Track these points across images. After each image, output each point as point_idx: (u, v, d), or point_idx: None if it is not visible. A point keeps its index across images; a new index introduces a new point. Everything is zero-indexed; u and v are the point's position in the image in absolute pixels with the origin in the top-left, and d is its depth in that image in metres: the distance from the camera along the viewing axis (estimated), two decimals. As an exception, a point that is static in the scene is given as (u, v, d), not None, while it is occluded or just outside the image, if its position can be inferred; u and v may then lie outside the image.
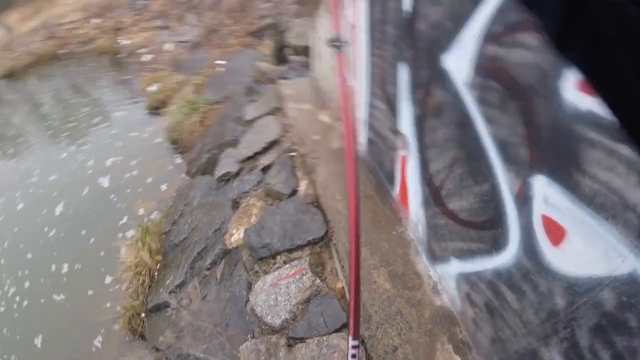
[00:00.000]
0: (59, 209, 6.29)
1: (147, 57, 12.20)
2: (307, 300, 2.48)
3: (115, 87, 11.70)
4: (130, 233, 4.99)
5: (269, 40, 7.80)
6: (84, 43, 17.73)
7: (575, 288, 1.13)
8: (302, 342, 2.27)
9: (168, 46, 11.77)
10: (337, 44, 1.44)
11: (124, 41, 15.36)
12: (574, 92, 1.07)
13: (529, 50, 1.21)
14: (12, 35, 23.17)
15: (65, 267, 5.03)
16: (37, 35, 20.32)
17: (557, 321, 1.21)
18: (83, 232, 5.52)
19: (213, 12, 11.24)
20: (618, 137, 0.95)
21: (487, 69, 1.44)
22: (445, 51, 1.72)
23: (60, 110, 11.21)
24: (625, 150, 0.94)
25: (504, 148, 1.44)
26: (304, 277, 2.59)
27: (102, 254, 4.97)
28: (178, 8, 14.49)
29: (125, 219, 5.46)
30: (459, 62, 1.62)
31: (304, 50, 6.14)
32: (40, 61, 17.20)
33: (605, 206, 1.02)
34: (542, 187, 1.26)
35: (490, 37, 1.38)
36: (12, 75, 16.66)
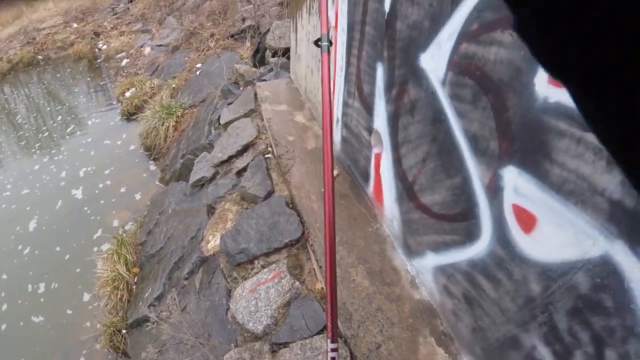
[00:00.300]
0: (32, 225, 6.10)
1: (125, 62, 11.98)
2: (288, 304, 2.46)
3: (91, 93, 11.46)
4: (105, 246, 4.89)
5: (249, 43, 7.75)
6: (62, 48, 17.29)
7: (549, 273, 1.17)
8: (285, 347, 2.25)
9: (146, 50, 11.57)
10: (323, 43, 1.45)
11: (102, 45, 15.06)
12: (544, 85, 1.11)
13: (504, 47, 1.25)
14: None
15: (42, 287, 4.90)
16: (16, 41, 19.64)
17: (534, 307, 1.24)
18: (58, 248, 5.37)
19: (194, 15, 11.10)
20: (585, 126, 0.99)
21: (462, 66, 1.48)
22: (422, 50, 1.76)
23: (34, 119, 10.88)
24: (592, 138, 0.98)
25: (474, 141, 1.48)
26: (283, 281, 2.58)
27: (77, 270, 4.85)
28: (159, 11, 14.27)
29: (99, 232, 5.35)
30: (435, 60, 1.66)
31: (284, 52, 6.13)
32: (17, 68, 16.69)
33: (575, 192, 1.06)
34: (512, 177, 1.30)
35: (467, 35, 1.42)
36: None
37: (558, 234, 1.13)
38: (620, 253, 0.96)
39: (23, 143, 9.43)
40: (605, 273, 0.99)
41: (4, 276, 5.30)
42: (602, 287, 1.01)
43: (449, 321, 1.86)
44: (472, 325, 1.64)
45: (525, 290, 1.27)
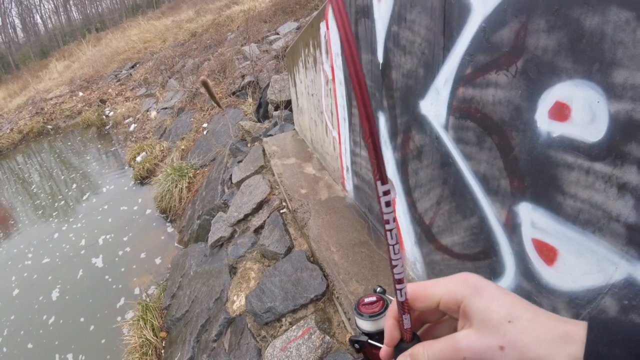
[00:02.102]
0: (55, 294, 6.17)
1: (133, 127, 12.39)
2: (320, 359, 2.44)
3: (102, 160, 11.83)
4: (129, 314, 4.90)
5: (250, 99, 8.03)
6: (70, 117, 18.02)
7: (577, 301, 1.18)
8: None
9: (152, 114, 11.99)
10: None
11: (109, 112, 15.63)
12: (546, 120, 1.18)
13: (500, 88, 1.32)
14: (0, 112, 23.32)
15: (70, 358, 4.85)
16: (24, 112, 20.52)
17: (567, 337, 1.25)
18: (82, 319, 5.39)
19: (194, 76, 11.59)
20: (593, 156, 1.04)
21: (462, 110, 1.56)
22: (421, 97, 1.85)
23: (49, 187, 11.19)
24: (600, 166, 1.03)
25: (485, 182, 1.53)
26: (313, 336, 2.57)
27: (103, 341, 4.84)
28: (160, 75, 14.89)
29: (122, 301, 5.38)
30: (435, 106, 1.74)
31: (286, 105, 6.35)
32: (27, 138, 17.36)
33: (591, 221, 1.10)
34: (528, 212, 1.34)
35: (463, 80, 1.51)
36: (0, 153, 16.65)
37: (580, 263, 1.16)
38: (643, 274, 0.98)
39: (40, 212, 9.66)
40: (632, 294, 1.01)
41: (30, 345, 5.31)
42: (630, 308, 1.02)
43: None
44: (510, 363, 1.62)
45: (558, 322, 1.28)
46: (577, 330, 0.39)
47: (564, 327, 0.40)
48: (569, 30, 1.01)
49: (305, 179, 3.99)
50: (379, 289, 0.70)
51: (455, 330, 0.47)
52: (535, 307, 0.44)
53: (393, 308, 0.49)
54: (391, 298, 0.59)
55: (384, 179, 0.41)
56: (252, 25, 13.07)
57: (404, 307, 0.46)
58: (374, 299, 0.64)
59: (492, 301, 0.44)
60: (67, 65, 29.41)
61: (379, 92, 2.32)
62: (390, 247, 0.45)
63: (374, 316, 0.61)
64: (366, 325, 0.61)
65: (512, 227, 1.43)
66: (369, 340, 0.61)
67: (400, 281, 0.46)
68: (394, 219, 0.43)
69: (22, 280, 6.88)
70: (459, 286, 0.46)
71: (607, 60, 0.94)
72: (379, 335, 0.60)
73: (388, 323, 0.50)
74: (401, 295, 0.46)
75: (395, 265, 0.45)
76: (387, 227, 0.43)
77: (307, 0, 12.76)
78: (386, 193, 0.41)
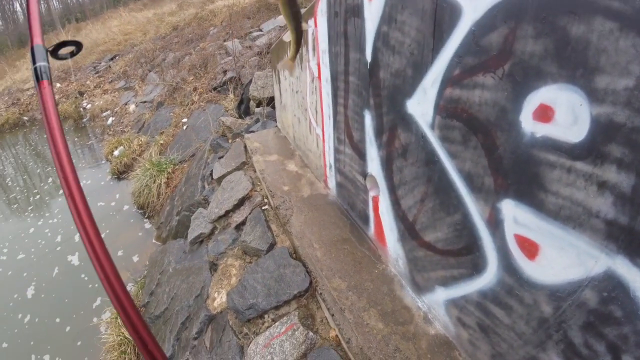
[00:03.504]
0: (30, 292, 6.00)
1: (110, 120, 12.09)
2: (304, 355, 2.46)
3: (78, 154, 11.48)
4: (105, 315, 4.80)
5: (232, 94, 7.94)
6: None
7: (558, 294, 1.25)
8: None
9: (131, 107, 11.73)
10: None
11: (87, 104, 15.18)
12: (530, 121, 1.24)
13: (487, 89, 1.38)
14: None
15: (47, 359, 4.74)
16: (0, 102, 19.71)
17: (548, 326, 1.32)
18: (58, 319, 5.25)
19: (175, 70, 11.37)
20: (575, 155, 1.11)
21: (449, 110, 1.61)
22: (408, 97, 1.89)
23: (24, 181, 10.81)
24: (581, 166, 1.09)
25: (470, 179, 1.59)
26: (296, 333, 2.59)
27: (79, 343, 4.75)
28: (140, 68, 14.55)
29: (98, 301, 5.28)
30: (422, 105, 1.79)
31: (268, 102, 6.32)
32: (2, 129, 16.73)
33: (572, 217, 1.17)
34: (511, 209, 1.40)
35: (451, 81, 1.56)
36: None
37: (561, 257, 1.22)
38: (622, 267, 1.05)
39: (15, 206, 9.34)
40: (611, 287, 1.08)
41: (4, 344, 5.16)
42: (610, 300, 1.09)
43: (467, 351, 1.90)
44: (491, 352, 1.69)
45: (538, 313, 1.35)
46: None
47: None
48: (556, 37, 1.07)
49: (288, 176, 4.01)
50: None
51: None
52: None
53: None
54: None
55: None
56: (235, 20, 12.94)
57: None
58: None
59: None
60: (44, 55, 28.48)
61: (366, 91, 2.36)
62: None
63: None
64: None
65: (495, 224, 1.49)
66: None
67: None
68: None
69: None
70: None
71: (591, 66, 1.00)
72: None
73: None
74: None
75: None
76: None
77: (293, -3, 12.68)
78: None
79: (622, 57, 0.92)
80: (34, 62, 0.85)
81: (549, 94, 1.14)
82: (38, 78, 0.85)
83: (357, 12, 2.21)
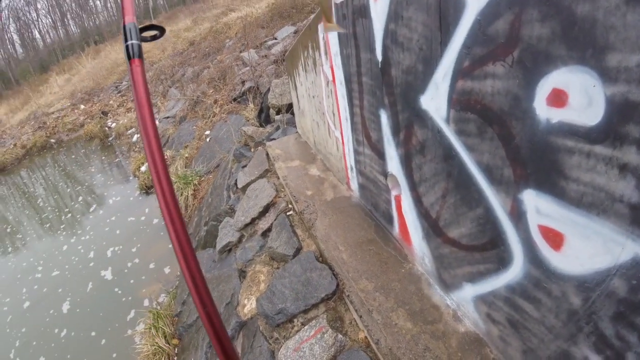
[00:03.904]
0: (65, 307, 6.24)
1: (136, 137, 12.43)
2: (334, 358, 2.45)
3: (107, 171, 11.87)
4: (140, 327, 4.93)
5: (251, 104, 8.05)
6: (73, 130, 18.09)
7: (586, 285, 1.20)
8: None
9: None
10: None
11: (111, 123, 15.65)
12: (544, 107, 1.20)
13: (498, 78, 1.34)
14: (2, 128, 23.49)
15: (84, 372, 4.91)
16: (27, 126, 20.60)
17: (578, 319, 1.27)
18: (93, 333, 5.43)
19: (195, 85, 11.62)
20: (592, 139, 1.06)
21: (462, 103, 1.58)
22: (421, 93, 1.87)
23: (54, 201, 11.25)
24: (600, 149, 1.05)
25: (489, 172, 1.55)
26: (325, 335, 2.58)
27: (114, 355, 4.88)
28: (161, 84, 14.94)
29: (132, 313, 5.42)
30: (435, 100, 1.77)
31: (287, 108, 6.38)
32: (31, 153, 17.43)
33: (594, 203, 1.12)
34: (532, 199, 1.36)
35: (461, 73, 1.53)
36: (4, 169, 16.79)
37: (587, 246, 1.18)
38: (650, 252, 1.00)
39: (47, 225, 9.71)
40: (640, 274, 1.03)
41: (42, 358, 5.36)
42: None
43: (498, 348, 1.85)
44: (522, 348, 1.64)
45: (567, 305, 1.30)
46: None
47: None
48: (561, 18, 1.04)
49: (310, 181, 4.02)
50: None
51: None
52: None
53: None
54: None
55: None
56: (249, 31, 13.13)
57: None
58: None
59: None
60: (67, 78, 29.59)
61: (380, 90, 2.35)
62: None
63: None
64: None
65: (518, 215, 1.45)
66: None
67: None
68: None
69: (32, 293, 6.95)
70: None
71: (600, 45, 0.96)
72: None
73: None
74: None
75: None
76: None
77: (304, 4, 12.82)
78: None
79: (632, 32, 0.88)
80: (125, 40, 0.83)
81: (561, 77, 1.10)
82: (129, 56, 0.83)
83: (363, 12, 2.20)
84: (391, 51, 2.05)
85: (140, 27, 0.89)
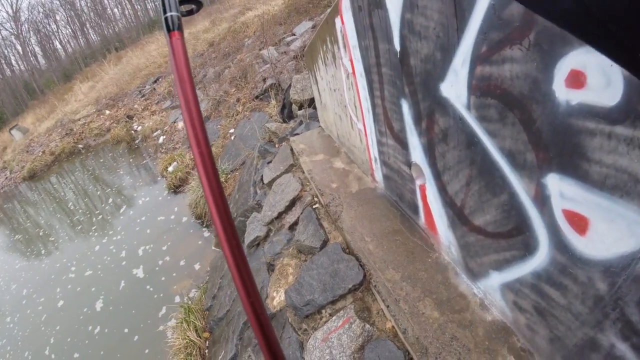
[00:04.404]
0: (99, 305, 6.48)
1: (162, 139, 12.71)
2: (362, 348, 2.48)
3: (134, 173, 12.18)
4: (171, 323, 5.09)
5: (273, 100, 8.11)
6: (99, 135, 18.69)
7: (612, 269, 1.18)
8: (365, 389, 2.26)
9: (180, 125, 12.30)
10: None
11: (137, 127, 16.04)
12: (563, 89, 1.18)
13: (516, 62, 1.33)
14: (30, 137, 24.50)
15: (118, 367, 5.09)
16: (54, 134, 21.40)
17: (604, 305, 1.24)
18: (126, 330, 5.62)
19: (217, 84, 11.78)
20: (613, 120, 1.04)
21: (482, 88, 1.56)
22: (441, 80, 1.86)
23: (84, 204, 11.64)
24: (621, 130, 1.03)
25: (512, 157, 1.53)
26: (353, 325, 2.61)
27: (147, 351, 5.05)
28: None
29: (164, 310, 5.59)
30: (455, 87, 1.75)
31: (309, 103, 6.40)
32: (60, 159, 18.07)
33: (618, 186, 1.10)
34: (556, 184, 1.34)
35: (480, 58, 1.51)
36: (34, 175, 17.49)
37: (612, 230, 1.15)
38: (675, 235, 0.98)
39: (79, 227, 10.08)
40: (667, 258, 1.01)
41: (76, 355, 5.59)
42: (666, 272, 1.02)
43: (525, 336, 1.83)
44: (549, 336, 1.61)
45: (593, 291, 1.28)
46: None
47: None
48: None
49: (335, 174, 4.04)
50: None
51: None
52: None
53: None
54: None
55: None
56: (268, 29, 13.18)
57: None
58: None
59: None
60: (91, 86, 30.47)
61: (399, 80, 2.34)
62: None
63: None
64: None
65: (542, 200, 1.43)
66: None
67: None
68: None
69: (66, 292, 7.24)
70: None
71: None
72: None
73: None
74: None
75: None
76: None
77: (319, -2, 12.77)
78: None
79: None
80: (164, 11, 0.79)
81: (578, 58, 1.08)
82: (169, 28, 0.78)
83: (379, 3, 2.19)
84: (409, 40, 2.04)
85: None
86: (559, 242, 1.40)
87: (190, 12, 0.90)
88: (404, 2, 1.93)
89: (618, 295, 1.18)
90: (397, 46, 2.20)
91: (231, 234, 0.67)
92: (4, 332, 6.91)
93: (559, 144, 1.27)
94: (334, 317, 2.77)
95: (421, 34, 1.88)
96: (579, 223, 1.28)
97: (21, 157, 21.39)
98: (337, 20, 3.07)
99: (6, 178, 20.15)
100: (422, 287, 2.41)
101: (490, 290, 2.05)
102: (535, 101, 1.31)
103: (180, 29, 0.79)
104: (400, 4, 1.97)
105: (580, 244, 1.29)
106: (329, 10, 3.05)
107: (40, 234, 11.03)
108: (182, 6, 0.84)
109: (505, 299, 1.91)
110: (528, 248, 1.60)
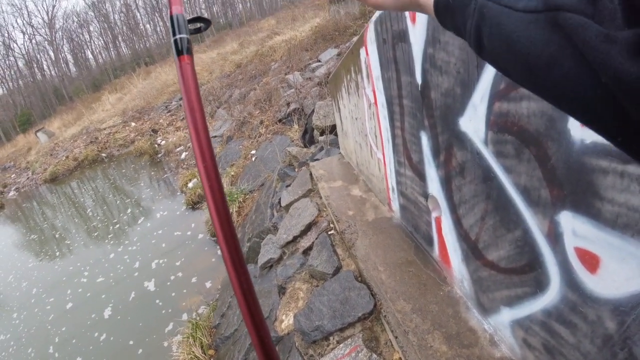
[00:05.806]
0: (107, 313, 6.52)
1: (184, 155, 12.94)
2: (367, 377, 2.46)
3: (155, 187, 12.33)
4: (177, 338, 5.09)
5: (296, 125, 8.25)
6: (123, 146, 19.10)
7: (621, 308, 1.17)
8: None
9: None
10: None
11: (161, 141, 16.35)
12: (578, 128, 1.21)
13: (533, 100, 1.36)
14: (55, 141, 25.16)
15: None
16: (79, 140, 21.93)
17: (613, 344, 1.23)
18: (131, 342, 5.64)
19: (242, 106, 12.03)
20: (625, 159, 1.06)
21: (500, 124, 1.60)
22: (460, 115, 1.91)
23: (102, 212, 11.81)
24: (633, 169, 1.05)
25: (526, 193, 1.55)
26: (360, 354, 2.59)
27: (151, 365, 5.04)
28: (209, 105, 15.58)
29: (170, 325, 5.58)
30: (474, 122, 1.80)
31: (331, 130, 6.50)
32: (82, 165, 18.47)
33: (629, 225, 1.11)
34: (569, 221, 1.35)
35: (498, 95, 1.56)
36: (55, 179, 17.84)
37: (623, 268, 1.15)
38: (685, 277, 0.98)
39: (96, 234, 10.22)
40: (676, 299, 1.01)
41: (79, 358, 5.59)
42: (676, 313, 1.01)
43: (535, 376, 1.79)
44: (558, 376, 1.59)
45: (602, 330, 1.26)
46: None
47: None
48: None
49: (352, 201, 4.07)
50: None
51: None
52: None
53: None
54: None
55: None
56: (294, 54, 13.52)
57: None
58: None
59: None
60: (119, 97, 31.37)
61: (420, 112, 2.39)
62: None
63: None
64: None
65: (555, 237, 1.44)
66: None
67: None
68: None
69: (76, 296, 7.31)
70: None
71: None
72: None
73: None
74: None
75: None
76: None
77: (346, 27, 13.10)
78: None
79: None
80: (173, 34, 0.75)
81: (592, 99, 1.11)
82: (178, 51, 0.74)
83: (403, 37, 2.28)
84: (430, 74, 2.10)
85: (191, 18, 0.82)
86: (570, 279, 1.39)
87: (197, 30, 0.88)
88: (426, 37, 2.01)
89: (627, 334, 1.16)
90: (418, 79, 2.26)
91: (237, 260, 0.68)
92: (8, 327, 7.01)
93: (572, 182, 1.29)
94: (341, 345, 2.75)
95: (442, 68, 1.94)
96: (591, 261, 1.28)
97: (45, 159, 21.99)
98: (362, 51, 3.18)
99: (27, 178, 20.71)
100: (432, 320, 2.39)
101: (501, 327, 2.02)
102: (551, 139, 1.33)
103: (190, 52, 0.77)
104: (423, 38, 2.05)
105: (591, 282, 1.29)
106: (354, 39, 3.17)
107: (56, 236, 11.24)
108: (191, 24, 0.83)
109: (515, 336, 1.88)
110: (540, 285, 1.59)
